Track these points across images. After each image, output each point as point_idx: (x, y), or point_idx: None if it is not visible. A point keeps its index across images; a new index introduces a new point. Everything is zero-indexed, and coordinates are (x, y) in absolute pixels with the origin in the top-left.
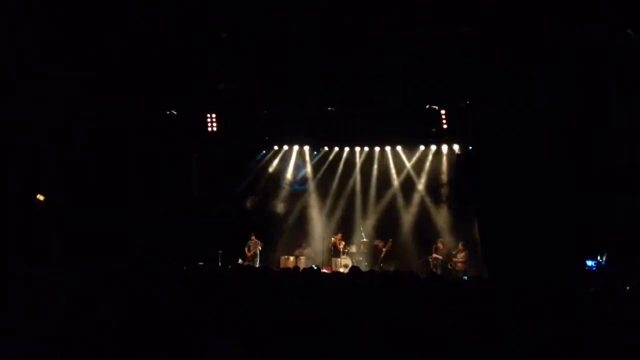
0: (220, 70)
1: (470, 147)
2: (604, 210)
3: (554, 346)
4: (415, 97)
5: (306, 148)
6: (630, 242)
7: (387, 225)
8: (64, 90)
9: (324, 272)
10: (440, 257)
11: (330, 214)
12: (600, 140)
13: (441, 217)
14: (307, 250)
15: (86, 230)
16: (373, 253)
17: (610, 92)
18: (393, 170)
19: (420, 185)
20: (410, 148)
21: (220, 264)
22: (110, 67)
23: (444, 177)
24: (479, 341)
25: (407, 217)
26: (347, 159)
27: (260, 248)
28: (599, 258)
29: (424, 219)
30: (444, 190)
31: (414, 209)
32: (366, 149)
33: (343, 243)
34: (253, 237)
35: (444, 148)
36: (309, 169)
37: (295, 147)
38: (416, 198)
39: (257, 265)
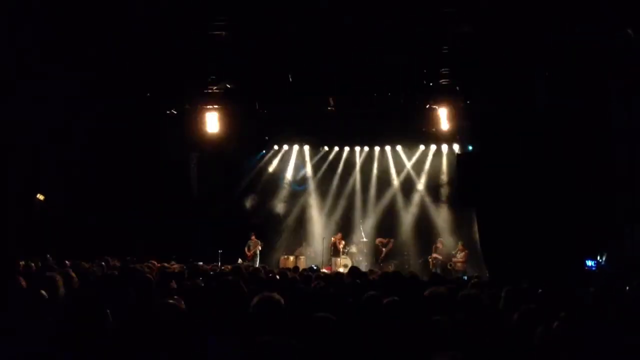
0: (220, 70)
1: (470, 147)
2: (604, 210)
3: (554, 346)
4: (415, 97)
5: (306, 148)
6: (630, 242)
7: (387, 225)
8: (64, 90)
9: (324, 272)
10: (440, 257)
11: (330, 213)
12: (600, 140)
13: (441, 217)
14: (307, 250)
15: (86, 230)
16: (373, 253)
17: (610, 92)
18: (393, 170)
19: (420, 185)
20: (410, 148)
21: (220, 263)
22: (110, 67)
23: (444, 177)
24: (478, 341)
25: (407, 217)
26: (347, 158)
27: (260, 248)
28: (598, 258)
29: (423, 219)
30: (444, 190)
31: (413, 208)
32: (366, 148)
33: (343, 243)
34: (253, 237)
35: (444, 148)
36: (309, 168)
37: (295, 147)
38: (416, 198)
39: (257, 265)
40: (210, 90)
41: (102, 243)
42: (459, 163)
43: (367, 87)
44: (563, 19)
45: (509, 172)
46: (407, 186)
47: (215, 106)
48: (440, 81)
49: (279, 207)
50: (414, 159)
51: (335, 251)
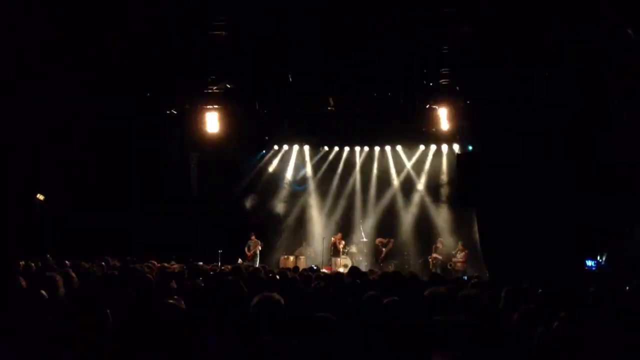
0: (220, 70)
1: (470, 147)
2: (604, 210)
3: (554, 346)
4: (415, 97)
5: (306, 148)
6: (630, 242)
7: (387, 225)
8: (64, 90)
9: (324, 272)
10: (440, 257)
11: (330, 213)
12: (600, 140)
13: (441, 217)
14: (307, 250)
15: (86, 230)
16: (373, 253)
17: (610, 92)
18: (393, 170)
19: (420, 185)
20: (410, 148)
21: (220, 263)
22: (110, 67)
23: (444, 177)
24: (478, 341)
25: (407, 217)
26: (347, 158)
27: (260, 248)
28: (599, 258)
29: (423, 219)
30: (444, 190)
31: (413, 208)
32: (366, 148)
33: (343, 243)
34: (253, 237)
35: (444, 148)
36: (309, 168)
37: (295, 147)
38: (416, 198)
39: (257, 265)
40: (210, 90)
41: (102, 243)
42: (459, 163)
43: (367, 87)
44: (563, 19)
45: (509, 172)
46: (407, 186)
47: (215, 106)
48: (440, 81)
49: (279, 207)
50: (414, 159)
51: (335, 251)
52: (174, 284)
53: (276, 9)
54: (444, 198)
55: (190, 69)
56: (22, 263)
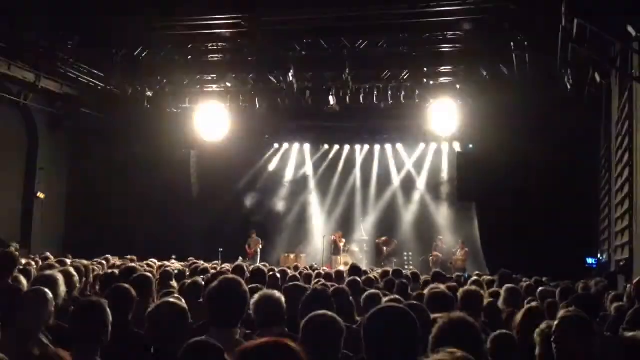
0: (220, 69)
1: (471, 146)
2: (604, 209)
3: (555, 343)
4: (415, 95)
5: (306, 146)
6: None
7: (387, 223)
8: None
9: (324, 270)
10: (440, 255)
11: (330, 212)
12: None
13: (441, 215)
14: (307, 248)
15: (86, 229)
16: (373, 251)
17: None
18: (393, 168)
19: (421, 183)
20: (410, 146)
21: (220, 262)
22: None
23: (444, 175)
24: (478, 339)
25: (407, 215)
26: (347, 157)
27: (260, 246)
28: (599, 256)
29: (424, 217)
30: (444, 188)
31: (414, 206)
32: (366, 147)
33: (343, 241)
34: (254, 235)
35: (444, 146)
36: (309, 167)
37: (296, 145)
38: (416, 196)
39: (258, 263)
40: (210, 90)
41: (102, 242)
42: (459, 161)
43: (367, 85)
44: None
45: (509, 170)
46: (408, 184)
47: (215, 105)
48: (440, 80)
49: (280, 205)
50: (414, 157)
51: (335, 249)
52: (174, 283)
53: (276, 9)
54: (444, 196)
55: (190, 68)
56: (22, 262)
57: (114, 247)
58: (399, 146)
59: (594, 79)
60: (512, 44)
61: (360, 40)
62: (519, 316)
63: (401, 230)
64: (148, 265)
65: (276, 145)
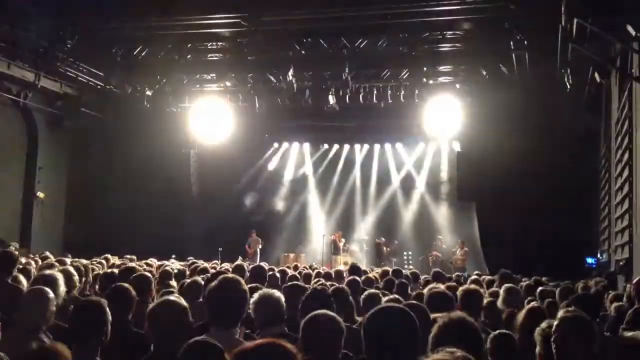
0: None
1: (470, 145)
2: (604, 208)
3: (556, 342)
4: (415, 95)
5: (306, 146)
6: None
7: (387, 223)
8: None
9: (324, 270)
10: (440, 254)
11: (330, 211)
12: (600, 140)
13: (441, 214)
14: (307, 248)
15: (86, 229)
16: (373, 250)
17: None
18: (393, 168)
19: (420, 182)
20: (410, 146)
21: (220, 261)
22: None
23: (444, 175)
24: (479, 339)
25: (407, 215)
26: (347, 156)
27: (260, 246)
28: (599, 256)
29: (423, 217)
30: (444, 188)
31: (413, 206)
32: (366, 146)
33: (343, 240)
34: (253, 235)
35: (444, 146)
36: (309, 166)
37: (295, 145)
38: (416, 195)
39: (257, 263)
40: (210, 89)
41: (102, 242)
42: (459, 161)
43: (367, 85)
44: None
45: (509, 170)
46: (407, 184)
47: (215, 104)
48: (440, 79)
49: (279, 204)
50: (414, 156)
51: (335, 249)
52: (174, 283)
53: (277, 9)
54: (443, 195)
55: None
56: (22, 262)
57: (113, 246)
58: (399, 146)
59: (594, 79)
60: (512, 44)
61: (360, 40)
62: (520, 316)
63: (401, 230)
64: (147, 264)
65: (276, 145)
